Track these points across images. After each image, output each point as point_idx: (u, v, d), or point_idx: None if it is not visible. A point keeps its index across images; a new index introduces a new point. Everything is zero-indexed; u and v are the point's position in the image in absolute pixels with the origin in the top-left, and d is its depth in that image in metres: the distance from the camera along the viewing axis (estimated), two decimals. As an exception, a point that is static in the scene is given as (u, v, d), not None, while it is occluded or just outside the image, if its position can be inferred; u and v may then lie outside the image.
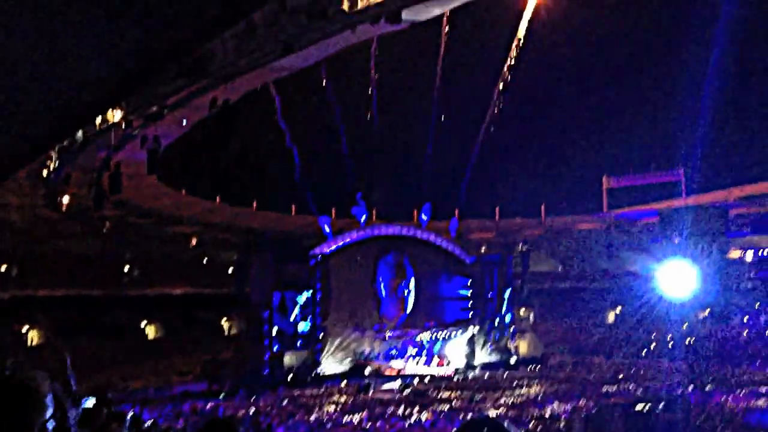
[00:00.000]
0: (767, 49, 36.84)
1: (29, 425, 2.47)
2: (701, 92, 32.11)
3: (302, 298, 40.57)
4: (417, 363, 41.67)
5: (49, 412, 2.60)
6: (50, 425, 2.59)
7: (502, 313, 45.22)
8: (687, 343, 40.34)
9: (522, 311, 50.08)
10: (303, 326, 40.35)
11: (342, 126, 41.97)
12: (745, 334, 44.99)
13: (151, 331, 48.29)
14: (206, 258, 50.50)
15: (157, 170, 33.39)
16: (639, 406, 30.40)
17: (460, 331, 44.00)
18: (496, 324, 45.07)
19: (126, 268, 47.99)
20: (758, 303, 45.19)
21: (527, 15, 35.45)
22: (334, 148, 42.75)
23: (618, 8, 38.81)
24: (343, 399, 32.78)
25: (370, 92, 40.40)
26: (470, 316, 44.62)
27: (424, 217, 43.67)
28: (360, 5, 20.85)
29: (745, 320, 45.03)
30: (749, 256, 46.17)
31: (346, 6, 20.90)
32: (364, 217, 42.10)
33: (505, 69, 38.97)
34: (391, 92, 41.65)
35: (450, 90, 42.19)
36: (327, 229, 41.08)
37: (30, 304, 41.39)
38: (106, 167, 33.17)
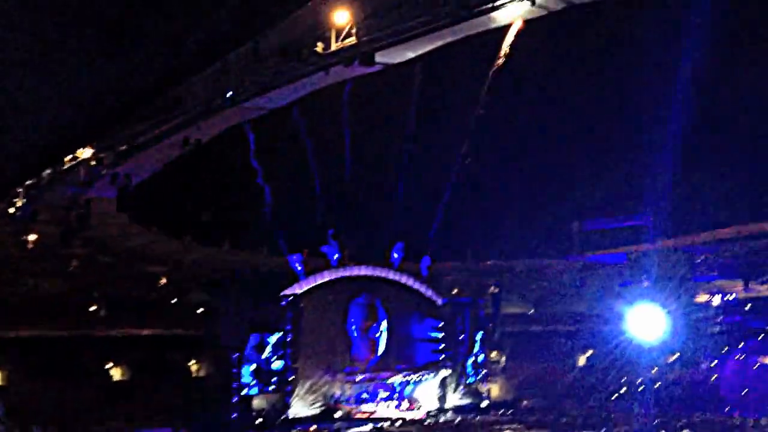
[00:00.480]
0: (730, 99, 37.86)
1: None
2: (667, 140, 32.84)
3: (273, 339, 40.23)
4: (388, 406, 41.36)
5: None
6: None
7: (474, 355, 45.20)
8: (657, 387, 40.55)
9: (494, 354, 50.01)
10: (276, 365, 40.03)
11: (314, 165, 42.13)
12: (713, 379, 45.29)
13: (117, 374, 47.28)
14: (176, 298, 49.85)
15: (128, 208, 33.13)
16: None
17: (432, 374, 43.83)
18: (467, 367, 44.98)
19: (93, 308, 47.15)
20: (725, 347, 45.62)
21: (499, 61, 36.16)
22: (306, 188, 42.82)
23: (585, 57, 39.71)
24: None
25: (343, 132, 40.74)
26: (442, 359, 44.49)
27: (395, 255, 43.74)
28: (334, 47, 21.15)
29: (713, 365, 45.36)
30: (716, 300, 46.74)
31: (320, 48, 21.19)
32: (336, 257, 42.05)
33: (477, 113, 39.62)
34: (365, 132, 42.00)
35: (423, 132, 42.66)
36: (299, 267, 40.93)
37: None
38: (75, 205, 32.85)
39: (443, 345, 44.72)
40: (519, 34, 23.50)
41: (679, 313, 38.07)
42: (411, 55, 23.54)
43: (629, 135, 39.48)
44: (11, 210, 33.17)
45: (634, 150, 38.07)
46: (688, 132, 31.90)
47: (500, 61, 33.35)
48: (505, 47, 31.03)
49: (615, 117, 41.35)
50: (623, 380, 44.17)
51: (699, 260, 41.94)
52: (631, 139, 38.97)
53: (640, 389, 41.74)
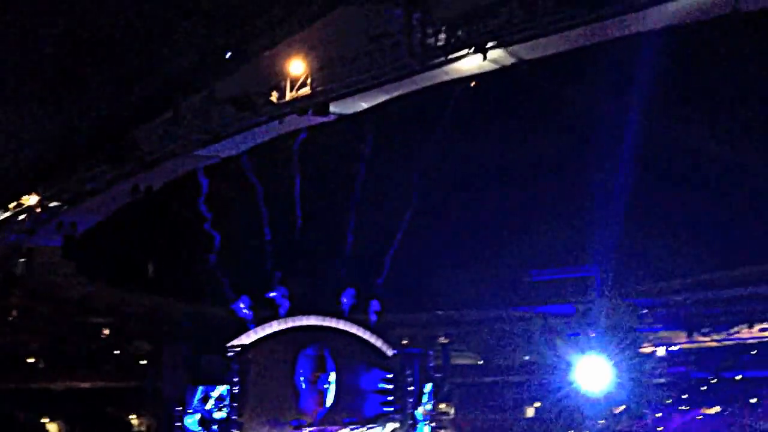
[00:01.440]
0: (675, 153, 39.31)
1: None
2: (612, 194, 33.76)
3: (218, 391, 39.39)
4: (337, 462, 40.68)
5: None
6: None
7: (423, 407, 44.82)
8: (604, 438, 40.71)
9: (443, 405, 49.72)
10: (221, 417, 39.15)
11: (264, 213, 41.98)
12: (659, 430, 45.73)
13: (53, 429, 45.53)
14: (118, 350, 48.54)
15: (73, 257, 32.35)
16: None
17: (381, 426, 43.30)
18: (416, 419, 44.55)
19: (31, 360, 45.54)
20: (670, 399, 46.27)
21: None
22: (255, 236, 42.54)
23: (535, 110, 40.80)
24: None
25: (293, 180, 40.80)
26: (391, 411, 44.03)
27: (344, 301, 43.50)
28: (288, 97, 21.32)
29: (658, 416, 45.87)
30: (661, 351, 47.54)
31: (274, 97, 21.33)
32: (285, 306, 41.67)
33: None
34: (316, 180, 42.13)
35: (373, 182, 42.98)
36: (246, 312, 40.43)
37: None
38: (17, 253, 31.96)
39: (392, 396, 44.30)
40: (472, 87, 24.13)
41: (624, 364, 38.51)
42: (365, 105, 23.86)
43: (577, 187, 40.50)
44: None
45: (581, 202, 39.02)
46: (634, 186, 32.87)
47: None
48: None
49: (563, 169, 42.42)
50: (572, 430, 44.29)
51: (644, 311, 42.71)
52: (579, 192, 39.98)
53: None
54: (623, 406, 42.66)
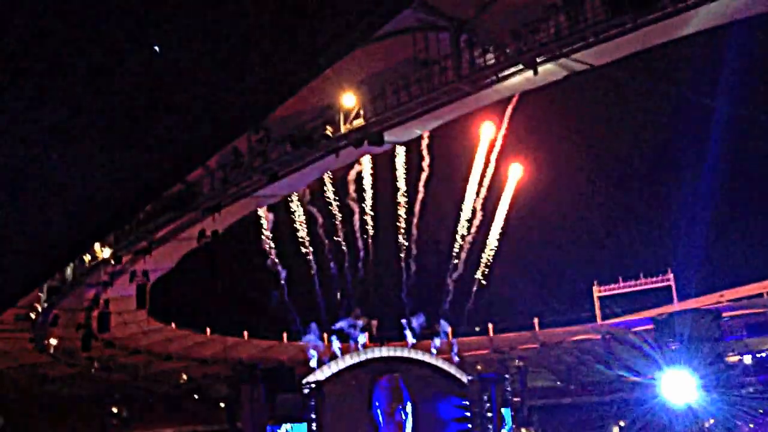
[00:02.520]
0: (757, 155, 37.92)
1: None
2: (689, 198, 32.73)
3: (298, 429, 39.46)
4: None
5: None
6: None
7: (503, 432, 43.92)
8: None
9: (523, 430, 48.64)
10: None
11: (329, 249, 42.20)
12: (753, 442, 43.65)
13: (141, 476, 46.34)
14: (197, 394, 49.22)
15: (146, 305, 33.04)
16: None
17: (462, 454, 42.58)
18: (497, 445, 43.64)
19: (115, 410, 46.59)
20: (761, 409, 44.17)
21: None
22: (322, 272, 42.76)
23: (609, 115, 40.04)
24: None
25: (356, 212, 41.01)
26: (471, 439, 43.26)
27: (414, 327, 43.15)
28: (343, 129, 21.48)
29: (751, 427, 43.82)
30: (747, 359, 45.56)
31: (329, 131, 21.51)
32: (361, 340, 41.61)
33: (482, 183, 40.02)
34: (379, 210, 42.22)
35: (436, 204, 42.84)
36: (315, 345, 40.55)
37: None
38: (95, 305, 32.85)
39: (471, 424, 43.53)
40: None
41: (711, 376, 37.06)
42: (419, 132, 23.85)
43: (656, 195, 39.44)
44: (32, 315, 33.19)
45: (654, 209, 37.99)
46: (716, 190, 31.77)
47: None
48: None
49: (638, 178, 41.39)
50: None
51: (726, 319, 41.08)
52: (651, 198, 38.92)
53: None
54: (712, 420, 40.98)
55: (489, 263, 43.82)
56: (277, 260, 39.80)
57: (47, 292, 31.00)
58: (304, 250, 41.94)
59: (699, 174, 32.26)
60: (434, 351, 43.58)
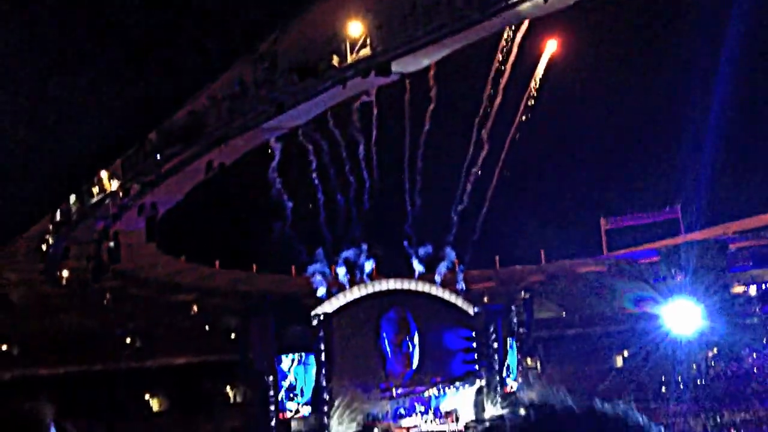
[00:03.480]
0: (766, 87, 37.35)
1: None
2: (697, 130, 32.43)
3: (306, 359, 40.23)
4: (426, 420, 40.96)
5: None
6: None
7: (509, 363, 44.64)
8: (697, 384, 39.83)
9: (529, 360, 49.44)
10: (311, 386, 39.96)
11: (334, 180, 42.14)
12: (755, 371, 44.35)
13: (155, 404, 47.50)
14: (207, 325, 50.04)
15: (156, 238, 33.38)
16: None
17: (468, 384, 43.36)
18: (503, 375, 44.43)
19: (127, 341, 47.48)
20: (766, 338, 44.71)
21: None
22: (329, 204, 42.76)
23: (616, 48, 39.38)
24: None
25: (363, 146, 40.83)
26: (477, 369, 44.03)
27: (421, 259, 43.41)
28: (350, 59, 21.24)
29: (754, 356, 44.47)
30: (753, 290, 45.89)
31: (336, 61, 21.28)
32: (368, 271, 41.90)
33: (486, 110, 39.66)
34: (385, 141, 41.97)
35: (442, 136, 42.53)
36: (322, 283, 40.87)
37: (33, 385, 40.75)
38: (105, 238, 33.18)
39: (477, 354, 44.26)
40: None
41: (715, 306, 37.43)
42: (427, 62, 23.59)
43: (656, 126, 39.08)
44: (43, 247, 33.58)
45: (661, 142, 37.69)
46: (722, 123, 31.44)
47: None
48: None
49: (644, 109, 40.89)
50: (662, 378, 43.45)
51: (732, 250, 41.24)
52: (658, 131, 38.59)
53: (680, 386, 41.06)
54: (716, 349, 41.59)
55: (495, 196, 43.82)
56: (283, 192, 39.83)
57: (57, 223, 31.33)
58: (310, 182, 41.88)
59: (707, 106, 31.90)
60: (438, 278, 43.85)
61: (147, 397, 47.43)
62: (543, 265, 48.81)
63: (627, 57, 39.66)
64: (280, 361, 40.36)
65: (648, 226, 42.52)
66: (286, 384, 40.27)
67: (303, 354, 40.41)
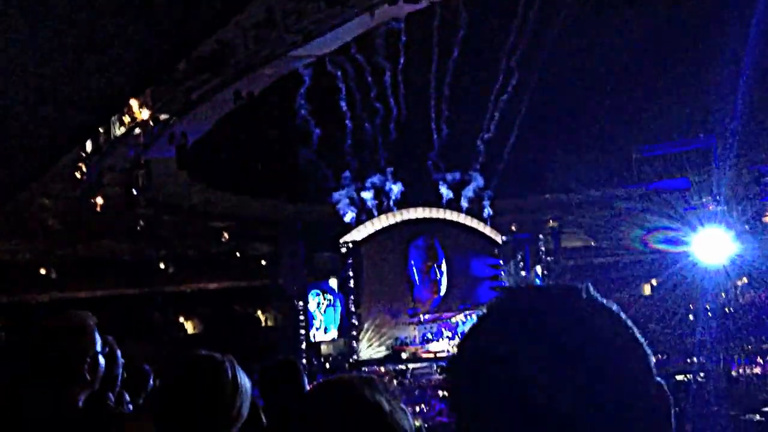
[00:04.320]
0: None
1: (81, 352, 2.59)
2: (734, 58, 31.51)
3: (335, 285, 41.03)
4: (453, 345, 41.81)
5: (98, 346, 2.70)
6: (101, 359, 2.69)
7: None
8: (726, 312, 39.85)
9: (556, 288, 49.78)
10: (340, 311, 40.90)
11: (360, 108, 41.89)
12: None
13: (190, 327, 49.05)
14: (238, 252, 51.02)
15: (186, 166, 33.76)
16: (679, 377, 30.17)
17: (495, 311, 43.99)
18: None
19: (161, 266, 48.66)
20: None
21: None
22: (354, 130, 42.64)
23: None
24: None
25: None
26: (504, 296, 44.54)
27: (449, 177, 43.41)
28: (378, -15, 20.88)
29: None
30: (786, 220, 45.27)
31: (364, -12, 20.92)
32: (394, 197, 42.12)
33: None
34: (412, 72, 41.47)
35: (470, 64, 41.89)
36: (348, 210, 41.16)
37: (69, 307, 42.14)
38: (136, 165, 33.63)
39: (505, 282, 44.76)
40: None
41: (747, 235, 37.06)
42: (457, -13, 23.05)
43: (692, 53, 37.96)
44: (77, 175, 34.16)
45: (696, 68, 36.69)
46: (759, 48, 30.44)
47: None
48: None
49: (677, 36, 39.71)
50: (690, 306, 43.56)
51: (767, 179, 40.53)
52: (694, 57, 37.52)
53: (708, 314, 41.14)
54: (746, 279, 41.42)
55: (524, 125, 43.33)
56: (310, 119, 39.79)
57: (90, 151, 31.78)
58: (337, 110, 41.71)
59: (746, 34, 30.85)
60: (465, 205, 43.84)
61: (181, 319, 48.96)
62: (572, 195, 48.56)
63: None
64: (309, 287, 41.26)
65: (680, 155, 41.75)
66: (316, 323, 41.18)
67: (332, 297, 41.19)
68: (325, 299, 41.76)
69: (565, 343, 0.89)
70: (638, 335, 1.01)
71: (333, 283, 42.24)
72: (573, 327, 0.91)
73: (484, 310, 0.96)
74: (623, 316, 1.00)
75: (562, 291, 0.95)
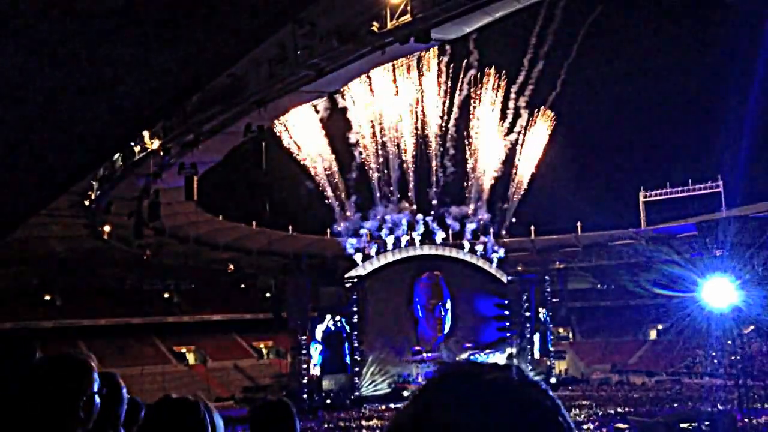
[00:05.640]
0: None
1: (79, 392, 2.61)
2: (742, 102, 31.65)
3: (339, 321, 40.77)
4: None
5: (96, 386, 2.73)
6: (97, 399, 2.72)
7: (541, 332, 44.70)
8: (732, 359, 39.39)
9: (561, 330, 49.46)
10: (343, 347, 40.58)
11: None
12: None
13: (191, 358, 48.69)
14: (243, 283, 50.92)
15: (194, 197, 33.80)
16: (684, 425, 29.73)
17: (498, 351, 43.63)
18: (534, 343, 44.55)
19: (165, 296, 48.57)
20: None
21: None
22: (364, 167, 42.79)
23: (659, 19, 38.53)
24: (382, 423, 32.74)
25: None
26: (508, 336, 44.23)
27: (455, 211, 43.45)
28: (389, 26, 21.06)
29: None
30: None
31: (376, 27, 21.12)
32: (403, 231, 42.14)
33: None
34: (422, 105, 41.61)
35: (479, 102, 42.08)
36: (354, 246, 41.17)
37: (72, 334, 41.98)
38: (145, 195, 33.69)
39: (509, 322, 44.43)
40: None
41: (752, 282, 36.78)
42: (467, 30, 23.27)
43: (699, 98, 38.20)
44: (86, 202, 34.29)
45: (704, 113, 36.86)
46: (762, 99, 30.62)
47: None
48: None
49: (684, 80, 40.00)
50: (696, 352, 43.15)
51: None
52: (701, 102, 37.73)
53: (713, 361, 40.71)
54: (752, 327, 41.04)
55: (534, 166, 43.45)
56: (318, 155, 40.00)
57: (100, 179, 31.93)
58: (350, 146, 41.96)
59: (749, 85, 31.09)
60: (468, 244, 43.68)
61: (183, 350, 48.64)
62: (579, 236, 48.46)
63: (671, 32, 38.79)
64: (313, 321, 40.94)
65: (688, 200, 41.76)
66: (318, 343, 40.87)
67: (335, 315, 40.95)
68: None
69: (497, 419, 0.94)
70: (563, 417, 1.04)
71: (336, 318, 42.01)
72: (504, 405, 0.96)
73: (428, 385, 0.99)
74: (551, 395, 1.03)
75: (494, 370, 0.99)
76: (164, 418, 2.51)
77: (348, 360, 40.72)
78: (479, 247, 43.67)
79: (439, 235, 42.94)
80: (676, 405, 33.72)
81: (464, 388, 0.98)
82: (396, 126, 41.06)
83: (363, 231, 41.55)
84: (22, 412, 2.53)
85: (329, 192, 41.28)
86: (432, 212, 43.02)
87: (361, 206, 42.04)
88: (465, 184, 43.29)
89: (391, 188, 42.37)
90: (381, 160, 42.39)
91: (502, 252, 44.51)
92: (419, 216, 42.22)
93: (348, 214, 41.52)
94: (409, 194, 42.54)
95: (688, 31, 37.95)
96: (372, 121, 41.61)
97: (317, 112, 37.91)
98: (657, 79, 41.07)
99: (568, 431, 0.99)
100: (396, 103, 41.11)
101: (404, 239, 41.77)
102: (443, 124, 42.29)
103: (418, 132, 41.95)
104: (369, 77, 36.99)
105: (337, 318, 40.96)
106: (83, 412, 2.58)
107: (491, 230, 44.52)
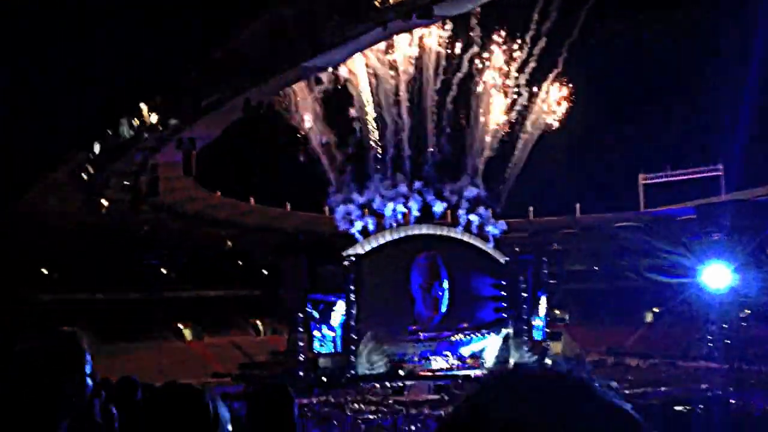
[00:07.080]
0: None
1: (73, 372, 2.49)
2: (743, 84, 31.42)
3: (336, 299, 40.75)
4: (451, 364, 41.46)
5: (89, 368, 2.60)
6: (89, 381, 2.59)
7: (537, 313, 44.71)
8: (727, 343, 39.56)
9: (557, 311, 49.53)
10: (340, 325, 40.61)
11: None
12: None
13: (187, 333, 48.77)
14: (240, 260, 50.87)
15: (193, 172, 33.66)
16: (678, 407, 29.89)
17: (495, 331, 43.66)
18: (531, 324, 44.57)
19: (162, 271, 48.52)
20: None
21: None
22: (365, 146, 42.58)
23: (660, 4, 38.21)
24: (377, 400, 32.84)
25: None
26: (505, 317, 44.24)
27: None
28: (392, 1, 20.84)
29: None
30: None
31: (378, 2, 20.91)
32: (401, 209, 41.99)
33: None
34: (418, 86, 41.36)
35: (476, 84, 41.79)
36: (352, 225, 41.00)
37: (70, 307, 41.97)
38: (143, 170, 33.54)
39: (506, 303, 44.42)
40: None
41: (751, 266, 36.85)
42: (470, 6, 23.05)
43: (700, 80, 37.95)
44: (84, 177, 34.14)
45: (705, 96, 36.63)
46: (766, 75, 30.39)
47: None
48: None
49: (685, 62, 39.74)
50: (692, 336, 43.28)
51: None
52: (702, 85, 37.48)
53: (709, 345, 40.87)
54: (748, 311, 41.16)
55: (534, 147, 43.24)
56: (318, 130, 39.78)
57: (98, 153, 31.77)
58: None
59: (747, 63, 30.86)
60: (463, 222, 43.49)
61: (180, 325, 48.67)
62: (578, 218, 48.39)
63: (671, 14, 38.50)
64: (310, 299, 40.87)
65: (688, 183, 41.71)
66: (315, 322, 40.88)
67: (332, 294, 40.90)
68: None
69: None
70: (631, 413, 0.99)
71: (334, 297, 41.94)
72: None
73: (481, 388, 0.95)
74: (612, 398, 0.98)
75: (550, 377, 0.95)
76: (165, 404, 2.40)
77: (344, 339, 40.73)
78: (474, 218, 43.20)
79: (438, 207, 42.58)
80: (670, 387, 33.78)
81: (524, 384, 0.95)
82: (393, 102, 40.77)
83: (356, 205, 41.34)
84: (7, 399, 2.41)
85: (327, 167, 41.01)
86: (429, 186, 42.74)
87: (358, 180, 41.89)
88: (463, 161, 43.06)
89: (386, 162, 42.20)
90: (378, 134, 42.13)
91: (503, 224, 44.11)
92: (417, 184, 42.01)
93: (343, 189, 41.34)
94: (405, 169, 42.30)
95: (689, 12, 37.64)
96: (371, 95, 41.34)
97: (318, 83, 37.56)
98: (657, 61, 40.79)
99: (634, 426, 0.96)
100: (394, 79, 40.84)
101: (400, 208, 41.41)
102: (442, 100, 42.03)
103: (415, 105, 41.66)
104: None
105: (334, 297, 40.90)
106: (73, 394, 2.46)
107: (489, 208, 44.26)
